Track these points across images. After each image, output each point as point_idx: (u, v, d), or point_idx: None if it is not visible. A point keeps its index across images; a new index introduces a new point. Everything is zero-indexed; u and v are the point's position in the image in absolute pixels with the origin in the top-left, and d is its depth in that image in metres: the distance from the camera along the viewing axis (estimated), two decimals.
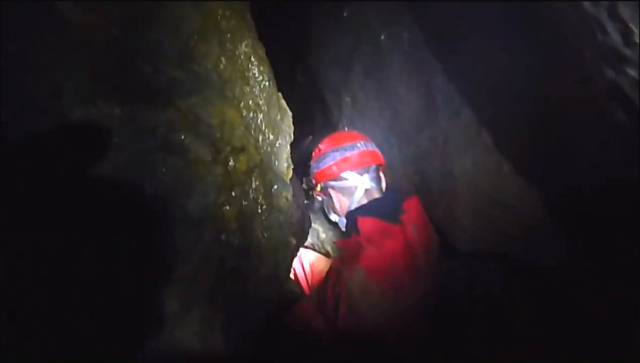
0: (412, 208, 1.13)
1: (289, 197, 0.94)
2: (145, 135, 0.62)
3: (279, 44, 1.28)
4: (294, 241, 0.91)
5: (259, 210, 0.81)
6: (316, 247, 1.51)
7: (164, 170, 0.62)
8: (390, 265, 0.98)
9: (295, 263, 1.38)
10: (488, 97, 1.26)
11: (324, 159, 1.20)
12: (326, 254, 1.44)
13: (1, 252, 0.49)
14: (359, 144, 1.20)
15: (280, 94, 1.05)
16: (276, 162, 0.93)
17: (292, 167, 1.01)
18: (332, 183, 1.19)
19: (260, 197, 0.81)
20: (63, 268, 0.54)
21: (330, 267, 1.11)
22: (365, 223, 1.07)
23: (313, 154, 1.26)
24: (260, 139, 0.88)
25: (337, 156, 1.17)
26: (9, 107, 0.55)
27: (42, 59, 0.60)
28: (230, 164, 0.70)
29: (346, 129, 1.55)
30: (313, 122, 1.62)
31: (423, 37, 1.42)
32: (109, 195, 0.59)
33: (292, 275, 1.36)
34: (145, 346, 0.60)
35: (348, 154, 1.17)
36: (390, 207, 1.12)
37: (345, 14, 1.55)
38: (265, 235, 0.82)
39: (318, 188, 1.26)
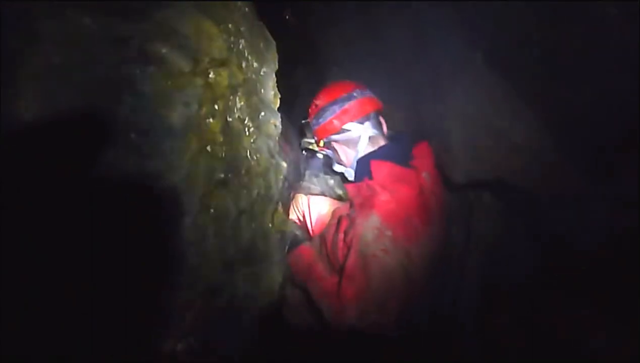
0: (423, 155, 1.11)
1: (277, 124, 0.93)
2: (121, 46, 0.61)
3: None
4: (284, 165, 0.91)
5: (247, 133, 0.80)
6: (326, 194, 1.48)
7: (143, 80, 0.62)
8: (405, 213, 0.97)
9: (299, 208, 1.39)
10: (480, 17, 1.21)
11: (323, 114, 1.17)
12: (338, 198, 1.41)
13: None
14: (355, 93, 1.17)
15: (262, 23, 1.02)
16: (262, 90, 0.92)
17: (280, 97, 0.99)
18: (335, 137, 1.18)
19: (247, 118, 0.80)
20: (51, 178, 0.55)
21: (339, 213, 1.10)
22: (379, 167, 1.06)
23: (309, 111, 1.22)
24: (244, 64, 0.86)
25: (337, 109, 1.15)
26: None
27: None
28: (210, 76, 0.69)
29: (335, 69, 1.52)
30: (302, 62, 1.58)
31: None
32: (88, 107, 0.59)
33: (295, 220, 1.36)
34: (138, 254, 0.61)
35: (346, 105, 1.14)
36: (402, 152, 1.11)
37: None
38: (255, 157, 0.82)
39: (321, 143, 1.24)
